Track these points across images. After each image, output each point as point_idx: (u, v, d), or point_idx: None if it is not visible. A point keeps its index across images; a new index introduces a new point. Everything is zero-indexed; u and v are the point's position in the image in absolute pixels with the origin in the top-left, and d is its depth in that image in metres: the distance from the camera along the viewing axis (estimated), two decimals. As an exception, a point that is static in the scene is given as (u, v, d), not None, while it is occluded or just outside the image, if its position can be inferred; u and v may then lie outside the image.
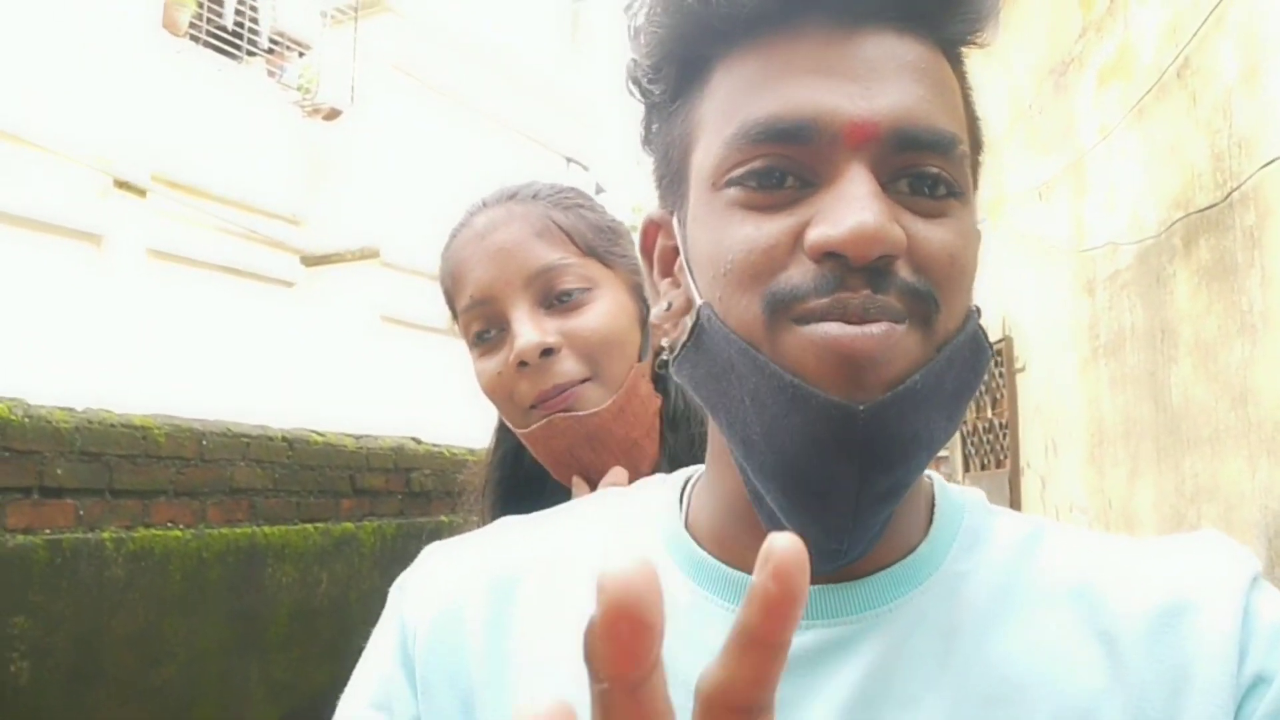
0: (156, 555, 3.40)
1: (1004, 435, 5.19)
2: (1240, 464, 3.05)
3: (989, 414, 5.37)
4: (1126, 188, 3.88)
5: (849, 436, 0.52)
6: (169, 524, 3.49)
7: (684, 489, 0.69)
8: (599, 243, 1.12)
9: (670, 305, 0.63)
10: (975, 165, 0.61)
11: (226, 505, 3.72)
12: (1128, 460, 3.87)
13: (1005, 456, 5.16)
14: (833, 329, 0.52)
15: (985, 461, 5.46)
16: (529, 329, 1.05)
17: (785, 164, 0.55)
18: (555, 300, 1.08)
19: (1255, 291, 2.96)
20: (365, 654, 0.69)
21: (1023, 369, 5.00)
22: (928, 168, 0.55)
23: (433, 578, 0.69)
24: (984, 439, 5.47)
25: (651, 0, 0.60)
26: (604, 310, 1.08)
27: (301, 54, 9.57)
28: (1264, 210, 2.91)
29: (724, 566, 0.61)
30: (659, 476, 0.72)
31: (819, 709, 0.56)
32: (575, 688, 0.59)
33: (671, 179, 0.63)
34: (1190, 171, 3.36)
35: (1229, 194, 3.09)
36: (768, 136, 0.55)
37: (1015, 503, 4.93)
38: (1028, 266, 4.78)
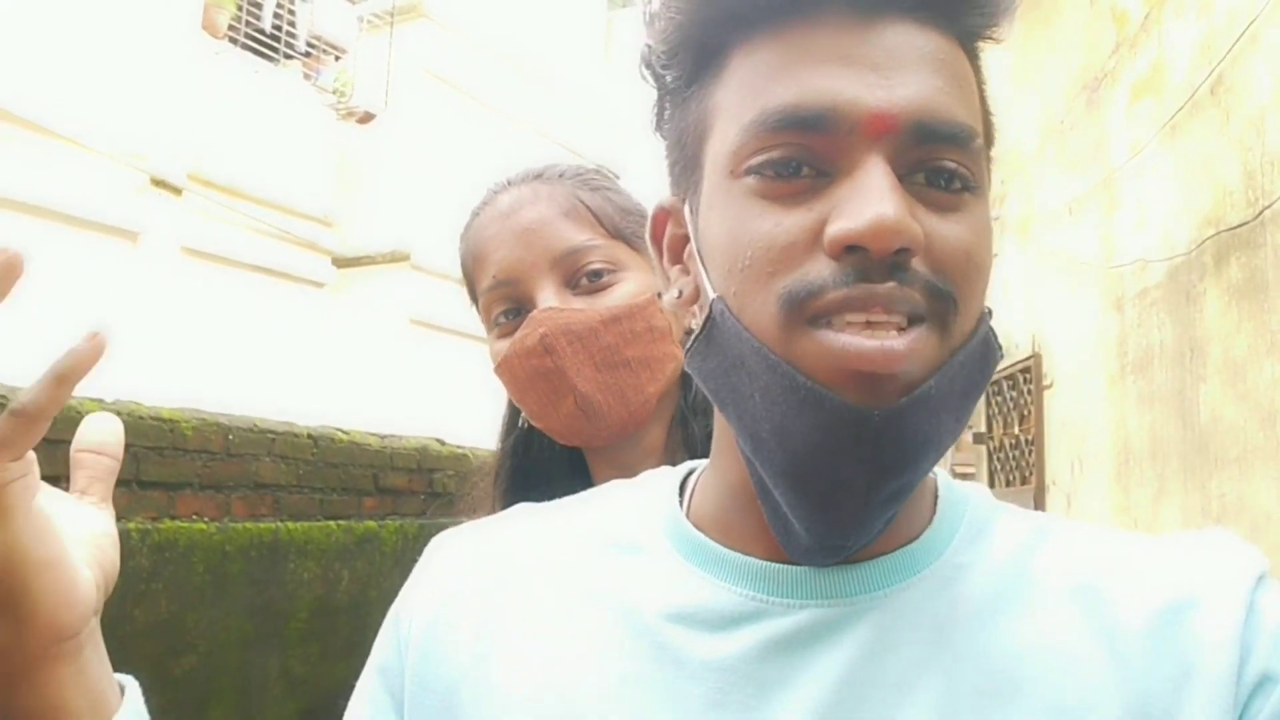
0: (180, 547, 3.44)
1: (1030, 452, 5.15)
2: (1268, 484, 3.01)
3: (1016, 430, 5.33)
4: (1157, 205, 3.85)
5: (862, 441, 0.52)
6: (194, 516, 3.53)
7: (685, 480, 0.69)
8: (626, 225, 1.09)
9: (681, 293, 0.63)
10: (988, 160, 0.61)
11: (251, 500, 3.76)
12: (1154, 479, 3.83)
13: (1031, 473, 5.12)
14: (846, 340, 0.52)
15: (1010, 478, 5.42)
16: None
17: (802, 154, 0.55)
18: (582, 281, 1.05)
19: (1286, 311, 2.93)
20: (364, 673, 0.70)
21: (1050, 386, 4.96)
22: (945, 161, 0.55)
23: (434, 569, 0.70)
24: (1010, 455, 5.43)
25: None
26: (631, 293, 1.05)
27: (338, 58, 9.66)
28: (1296, 229, 2.88)
29: (721, 548, 0.62)
30: (664, 468, 0.73)
31: (810, 687, 0.56)
32: (569, 675, 0.60)
33: (685, 165, 0.63)
34: (1222, 189, 3.33)
35: (1260, 212, 3.06)
36: (787, 124, 0.54)
37: (1039, 520, 4.87)
38: (1057, 283, 4.75)
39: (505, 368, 1.06)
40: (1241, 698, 0.53)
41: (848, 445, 0.52)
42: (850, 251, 0.52)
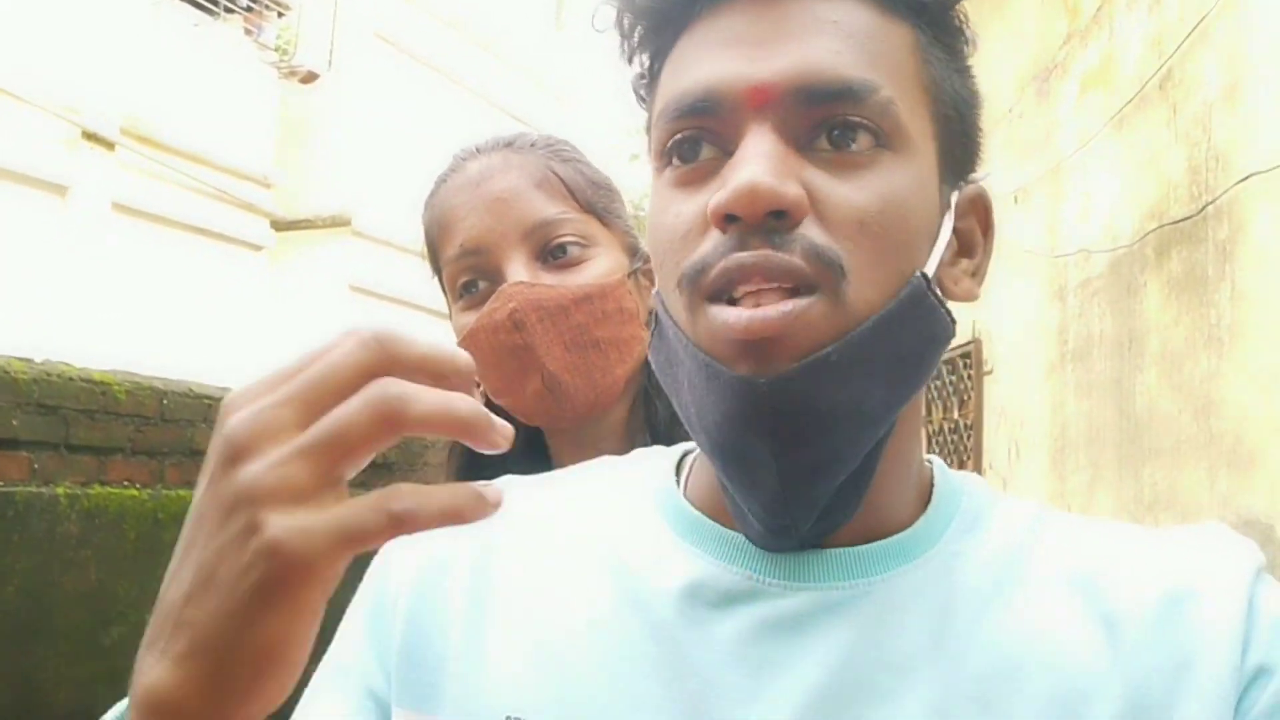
0: (111, 513, 3.35)
1: (968, 436, 5.24)
2: (1200, 475, 3.09)
3: (955, 415, 5.42)
4: (1102, 196, 3.91)
5: (754, 410, 0.53)
6: (125, 482, 3.44)
7: (681, 459, 0.69)
8: (597, 199, 1.07)
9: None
10: (955, 123, 0.61)
11: (186, 467, 3.68)
12: (1089, 466, 3.91)
13: (969, 458, 5.21)
14: (728, 314, 0.53)
15: (949, 462, 5.45)
16: None
17: (702, 135, 0.57)
18: (553, 255, 1.03)
19: (1225, 305, 2.99)
20: (344, 621, 0.68)
21: (990, 371, 5.04)
22: (844, 117, 0.55)
23: (420, 539, 0.68)
24: (949, 439, 5.51)
25: (617, 8, 0.62)
26: (602, 271, 1.04)
27: (281, 14, 9.44)
28: (1237, 225, 2.94)
29: (719, 526, 0.62)
30: (657, 448, 0.72)
31: (807, 669, 0.56)
32: (562, 651, 0.59)
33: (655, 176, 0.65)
34: (1167, 183, 3.39)
35: (1204, 207, 3.12)
36: (681, 112, 0.57)
37: (974, 503, 4.96)
38: (1000, 270, 4.81)
39: (471, 341, 1.03)
40: (1239, 689, 0.54)
41: (746, 416, 0.53)
42: (729, 222, 0.53)
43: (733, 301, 0.53)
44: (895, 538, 0.60)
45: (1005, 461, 4.79)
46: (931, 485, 0.64)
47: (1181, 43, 3.31)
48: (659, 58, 0.61)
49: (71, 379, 3.31)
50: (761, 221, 0.52)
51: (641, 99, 0.65)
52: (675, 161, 0.58)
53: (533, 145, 1.09)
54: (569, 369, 1.01)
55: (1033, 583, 0.59)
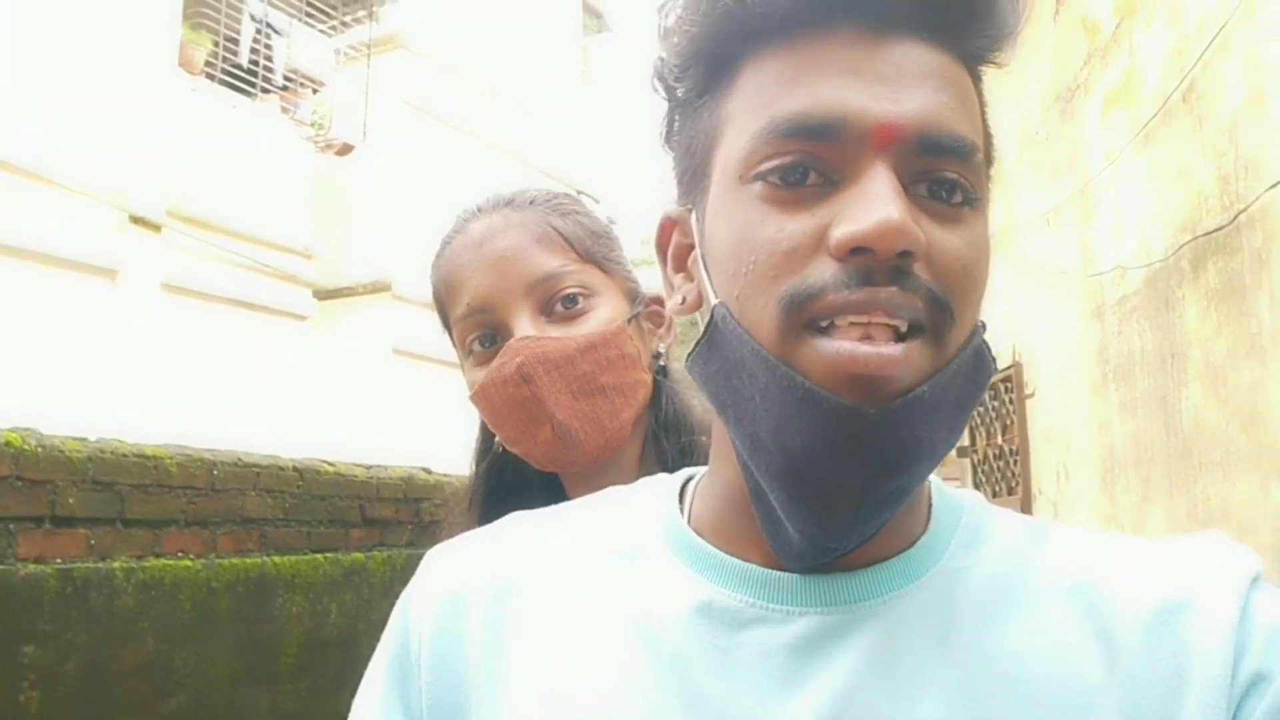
0: (167, 585, 3.40)
1: (1014, 462, 5.16)
2: (1252, 487, 3.02)
3: (999, 441, 5.35)
4: (1133, 212, 3.88)
5: (858, 440, 0.53)
6: (180, 554, 3.50)
7: (684, 486, 0.70)
8: (597, 249, 1.10)
9: (684, 299, 0.64)
10: (988, 178, 0.63)
11: (237, 535, 3.73)
12: (1139, 485, 3.84)
13: (1017, 483, 5.13)
14: (844, 345, 0.53)
15: (997, 489, 5.43)
16: None
17: (811, 160, 0.56)
18: (556, 308, 1.05)
19: (1264, 313, 2.95)
20: (366, 673, 0.70)
21: (1032, 395, 4.98)
22: (947, 173, 0.56)
23: (437, 576, 0.69)
24: (994, 466, 5.44)
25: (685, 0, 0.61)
26: (604, 319, 1.06)
27: (315, 90, 9.67)
28: (1271, 231, 2.90)
29: (721, 554, 0.62)
30: (660, 476, 0.73)
31: (814, 693, 0.56)
32: (570, 681, 0.60)
33: (693, 174, 0.64)
34: (1197, 195, 3.36)
35: (1236, 216, 3.09)
36: (796, 132, 0.56)
37: (1028, 530, 4.87)
38: (1037, 293, 4.78)
39: (482, 396, 1.06)
40: (1235, 697, 0.53)
41: (844, 444, 0.53)
42: (855, 254, 0.53)
43: (828, 328, 0.54)
44: (898, 558, 0.60)
45: (1054, 485, 4.72)
46: (930, 502, 0.64)
47: (1202, 54, 3.30)
48: (732, 60, 0.61)
49: (125, 455, 3.38)
50: (889, 259, 0.53)
51: (671, 89, 0.65)
52: (774, 180, 0.57)
53: (531, 202, 1.12)
54: (578, 417, 1.03)
55: (1033, 596, 0.59)
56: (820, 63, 0.57)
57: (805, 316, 0.54)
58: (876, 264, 0.53)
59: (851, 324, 0.53)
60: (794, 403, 0.54)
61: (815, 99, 0.56)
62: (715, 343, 0.59)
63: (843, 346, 0.53)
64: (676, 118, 0.66)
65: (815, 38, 0.57)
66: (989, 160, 0.62)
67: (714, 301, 0.59)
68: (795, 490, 0.56)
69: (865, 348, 0.52)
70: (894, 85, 0.56)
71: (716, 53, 0.61)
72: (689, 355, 0.62)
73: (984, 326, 0.59)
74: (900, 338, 0.53)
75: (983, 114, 0.62)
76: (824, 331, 0.54)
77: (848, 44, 0.57)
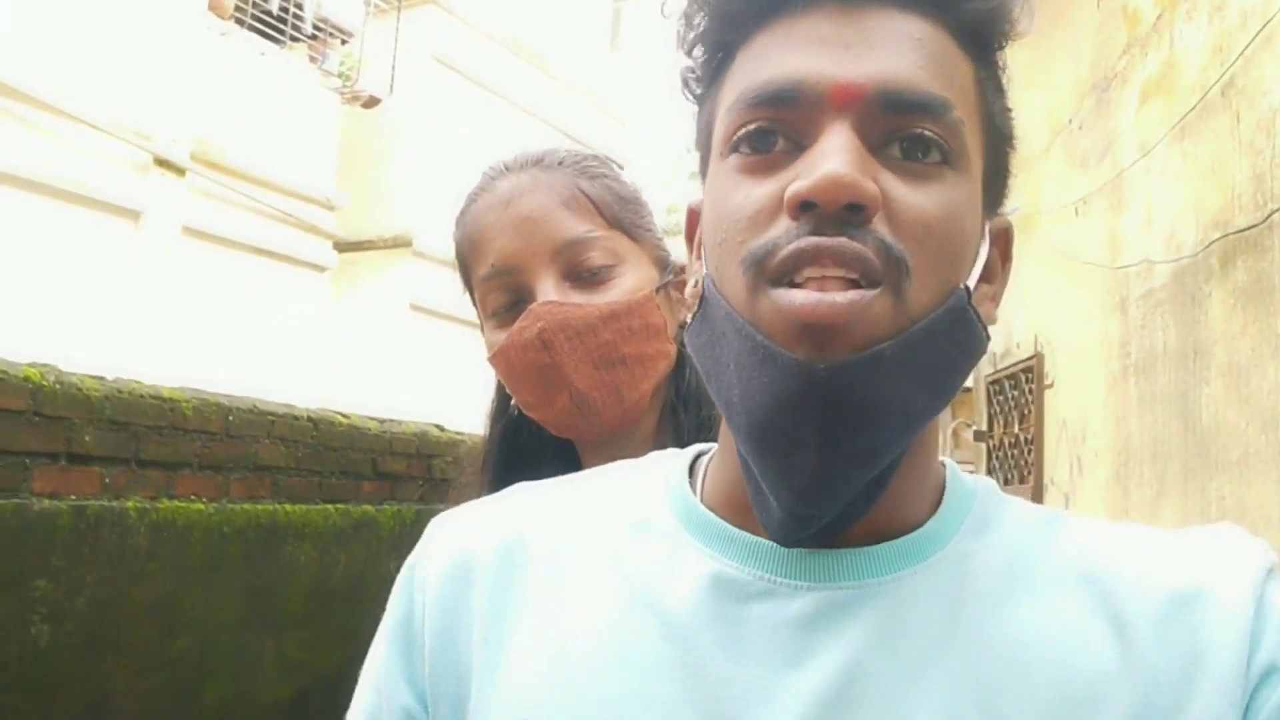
0: (179, 526, 3.43)
1: (1029, 451, 5.15)
2: (1269, 488, 3.01)
3: (1016, 429, 5.33)
4: (1164, 206, 3.84)
5: (810, 395, 0.53)
6: (192, 496, 3.52)
7: (695, 462, 0.70)
8: (625, 214, 1.08)
9: (697, 282, 0.65)
10: (998, 157, 0.63)
11: (250, 481, 3.75)
12: (1154, 480, 3.83)
13: (1030, 472, 5.12)
14: (794, 295, 0.53)
15: (1009, 476, 5.42)
16: None
17: (777, 125, 0.58)
18: (581, 274, 1.04)
19: (1292, 315, 2.92)
20: (375, 640, 0.70)
21: (1051, 385, 4.96)
22: (918, 130, 0.57)
23: (443, 542, 0.70)
24: (1010, 454, 5.43)
25: (682, 2, 0.63)
26: (630, 288, 1.04)
27: (344, 41, 9.64)
28: (1304, 233, 2.87)
29: (731, 527, 0.62)
30: (670, 450, 0.73)
31: (821, 668, 0.56)
32: (575, 652, 0.60)
33: (701, 164, 0.66)
34: (1230, 192, 3.32)
35: (1269, 215, 3.05)
36: (762, 100, 0.58)
37: (1037, 520, 4.87)
38: (1061, 282, 4.74)
39: (501, 359, 1.05)
40: (1249, 688, 0.53)
41: (797, 400, 0.53)
42: (805, 210, 0.54)
43: (794, 286, 0.54)
44: (907, 538, 0.60)
45: (1067, 476, 4.71)
46: (944, 487, 0.64)
47: (1244, 49, 3.25)
48: (728, 50, 0.62)
49: (142, 396, 3.40)
50: (838, 213, 0.54)
51: (691, 90, 0.66)
52: (744, 149, 0.59)
53: (560, 163, 1.09)
54: (597, 386, 1.02)
55: (1044, 583, 0.59)
56: (791, 37, 0.58)
57: (766, 275, 0.55)
58: (825, 218, 0.54)
59: (809, 279, 0.54)
60: (756, 363, 0.55)
61: (778, 68, 0.58)
62: (705, 315, 0.60)
63: (795, 296, 0.53)
64: (698, 116, 0.68)
65: (796, 17, 0.59)
66: (1002, 139, 0.63)
67: (704, 274, 0.61)
68: (760, 448, 0.56)
69: (814, 295, 0.53)
70: (858, 50, 0.57)
71: (716, 45, 0.63)
72: (686, 330, 0.63)
73: (968, 292, 0.58)
74: (854, 288, 0.54)
75: (983, 84, 0.62)
76: (785, 285, 0.54)
77: (823, 19, 0.58)
